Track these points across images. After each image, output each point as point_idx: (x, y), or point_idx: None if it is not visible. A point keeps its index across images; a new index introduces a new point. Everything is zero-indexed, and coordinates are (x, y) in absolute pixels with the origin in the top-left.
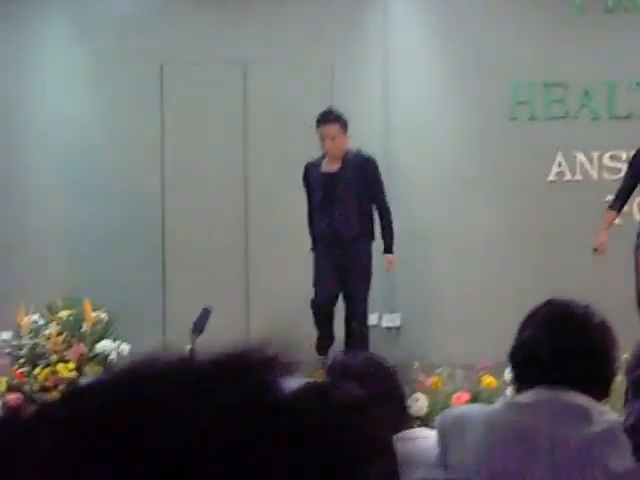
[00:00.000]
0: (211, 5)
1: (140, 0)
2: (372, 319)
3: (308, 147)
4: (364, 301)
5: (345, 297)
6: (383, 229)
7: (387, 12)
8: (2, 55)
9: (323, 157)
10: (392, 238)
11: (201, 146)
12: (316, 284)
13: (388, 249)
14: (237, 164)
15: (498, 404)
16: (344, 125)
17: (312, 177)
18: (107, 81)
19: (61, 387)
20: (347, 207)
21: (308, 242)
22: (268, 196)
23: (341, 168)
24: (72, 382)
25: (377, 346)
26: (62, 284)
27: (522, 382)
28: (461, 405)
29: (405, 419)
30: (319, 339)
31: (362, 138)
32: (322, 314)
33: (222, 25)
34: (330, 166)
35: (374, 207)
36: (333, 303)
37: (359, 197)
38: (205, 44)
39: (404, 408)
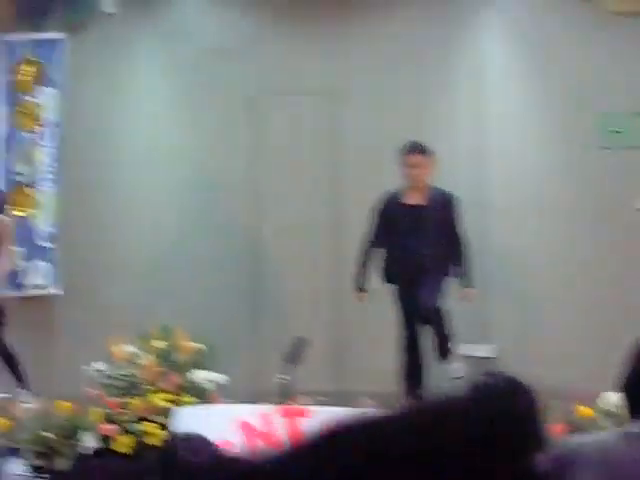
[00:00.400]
0: (302, 36)
1: (232, 32)
2: (467, 349)
3: (399, 177)
4: (435, 298)
5: (419, 308)
6: (459, 259)
7: (478, 42)
8: (98, 86)
9: (401, 191)
10: (467, 269)
11: (293, 176)
12: (403, 325)
13: (464, 280)
14: (328, 194)
15: (610, 434)
16: (429, 157)
17: (393, 208)
18: (199, 113)
19: (155, 417)
20: (431, 240)
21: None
22: (360, 224)
23: (427, 202)
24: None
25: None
26: (159, 315)
27: (635, 411)
28: (567, 436)
29: (543, 443)
30: (405, 379)
31: (453, 167)
32: (410, 351)
33: (313, 56)
34: (413, 198)
35: (452, 241)
36: (418, 337)
37: (442, 231)
38: (296, 75)
39: (542, 432)
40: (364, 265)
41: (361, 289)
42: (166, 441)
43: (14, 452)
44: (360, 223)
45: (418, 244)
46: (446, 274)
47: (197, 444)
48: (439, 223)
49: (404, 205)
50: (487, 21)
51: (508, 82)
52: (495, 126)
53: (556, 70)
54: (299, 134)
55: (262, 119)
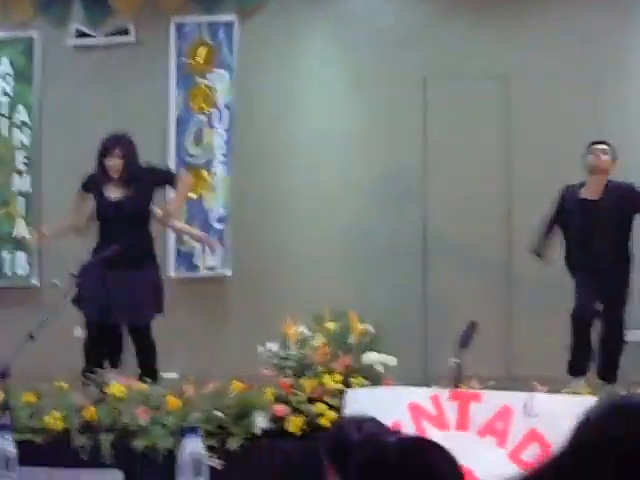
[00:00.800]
0: (473, 19)
1: (402, 15)
2: (636, 335)
3: (571, 164)
4: (619, 320)
5: (601, 318)
6: None
7: None
8: (270, 68)
9: (582, 184)
10: None
11: (463, 161)
12: (577, 300)
13: None
14: (499, 180)
15: None
16: (612, 152)
17: (569, 202)
18: (369, 96)
19: (327, 399)
20: (606, 237)
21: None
22: (531, 210)
23: (603, 196)
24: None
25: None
26: (329, 297)
27: None
28: None
29: None
30: (573, 359)
31: (628, 159)
32: (581, 328)
33: (484, 38)
34: (590, 193)
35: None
36: (592, 317)
37: (620, 226)
38: (468, 58)
39: None
40: (544, 236)
41: (539, 254)
42: (337, 422)
43: (188, 431)
44: (532, 209)
45: (594, 243)
46: (627, 270)
47: (368, 425)
48: (618, 218)
49: (579, 200)
50: None
51: None
52: None
53: None
54: (472, 117)
55: (435, 102)
